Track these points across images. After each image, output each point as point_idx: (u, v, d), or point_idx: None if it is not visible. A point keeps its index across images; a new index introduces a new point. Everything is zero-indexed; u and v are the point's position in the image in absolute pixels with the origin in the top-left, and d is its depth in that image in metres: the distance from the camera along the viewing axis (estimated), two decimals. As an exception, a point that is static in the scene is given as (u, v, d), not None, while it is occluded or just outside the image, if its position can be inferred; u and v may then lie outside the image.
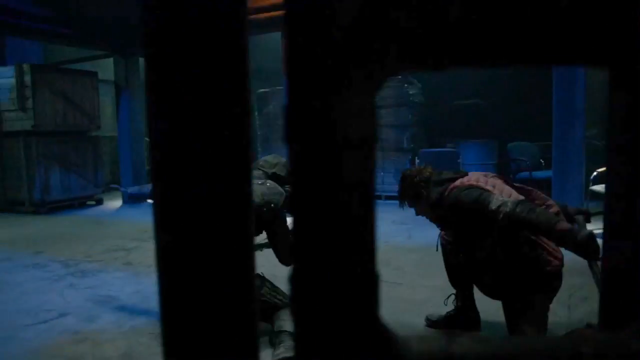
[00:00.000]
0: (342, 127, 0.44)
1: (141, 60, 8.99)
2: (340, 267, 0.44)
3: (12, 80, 7.68)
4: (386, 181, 7.89)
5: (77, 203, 8.30)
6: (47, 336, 2.97)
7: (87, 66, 9.23)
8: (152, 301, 3.56)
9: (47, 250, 5.23)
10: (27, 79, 7.59)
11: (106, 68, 9.61)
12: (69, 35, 7.58)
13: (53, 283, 4.05)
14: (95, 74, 8.72)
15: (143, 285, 3.89)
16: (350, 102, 0.44)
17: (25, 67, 7.60)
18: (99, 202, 8.79)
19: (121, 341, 2.86)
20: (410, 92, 7.79)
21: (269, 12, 6.67)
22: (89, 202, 8.67)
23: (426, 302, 3.37)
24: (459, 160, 6.74)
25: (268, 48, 8.64)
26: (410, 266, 4.29)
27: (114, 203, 8.76)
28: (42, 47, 9.65)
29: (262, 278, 2.72)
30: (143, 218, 7.11)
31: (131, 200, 8.65)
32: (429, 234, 5.32)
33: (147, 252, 5.00)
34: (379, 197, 7.86)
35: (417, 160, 6.98)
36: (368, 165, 0.45)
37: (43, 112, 7.73)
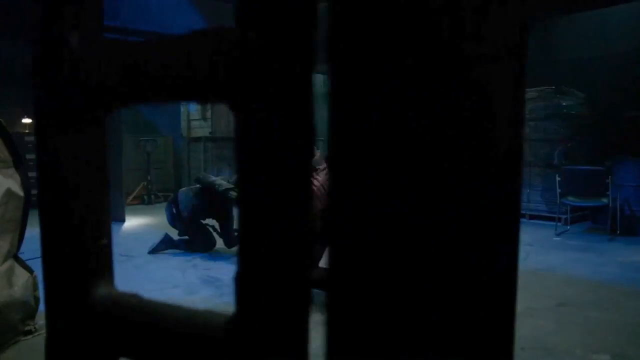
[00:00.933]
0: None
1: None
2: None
3: (198, 95, 9.28)
4: (532, 199, 7.34)
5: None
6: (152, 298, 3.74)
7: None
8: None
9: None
10: (208, 93, 9.09)
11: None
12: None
13: (184, 263, 4.94)
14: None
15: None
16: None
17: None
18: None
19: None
20: (564, 103, 7.11)
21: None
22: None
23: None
24: (607, 181, 5.95)
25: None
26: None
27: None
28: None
29: None
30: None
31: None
32: (548, 258, 4.92)
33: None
34: (523, 216, 7.36)
35: (557, 179, 6.37)
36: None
37: (218, 121, 9.16)
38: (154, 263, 4.90)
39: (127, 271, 4.63)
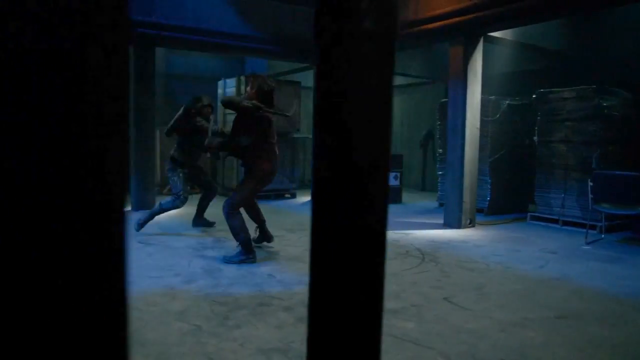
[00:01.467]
0: None
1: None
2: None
3: (235, 90, 9.46)
4: (567, 204, 6.96)
5: (273, 195, 9.69)
6: (151, 285, 3.85)
7: (298, 76, 10.67)
8: (246, 279, 4.17)
9: (214, 227, 6.41)
10: (242, 88, 9.23)
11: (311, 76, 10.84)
12: (273, 51, 8.92)
13: (193, 251, 5.05)
14: (298, 83, 10.00)
15: (252, 266, 4.55)
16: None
17: (242, 78, 9.27)
18: (293, 195, 10.05)
19: (187, 301, 3.53)
20: (605, 104, 6.66)
21: (439, 21, 6.66)
22: (286, 195, 10.00)
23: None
24: (643, 188, 5.53)
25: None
26: (488, 294, 3.89)
27: (305, 198, 9.90)
28: (267, 62, 11.51)
29: None
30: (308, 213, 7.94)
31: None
32: (568, 267, 4.64)
33: (283, 241, 5.69)
34: (556, 221, 7.00)
35: (590, 184, 5.98)
36: None
37: (252, 116, 9.28)
38: (166, 251, 5.04)
39: (139, 257, 4.80)
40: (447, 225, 6.82)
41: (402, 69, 10.64)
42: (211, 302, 3.55)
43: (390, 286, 3.96)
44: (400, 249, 5.38)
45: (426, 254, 5.15)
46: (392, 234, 6.20)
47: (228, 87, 9.71)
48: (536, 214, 7.34)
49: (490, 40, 7.15)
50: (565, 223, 6.93)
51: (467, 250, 5.35)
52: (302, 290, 3.85)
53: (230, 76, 9.87)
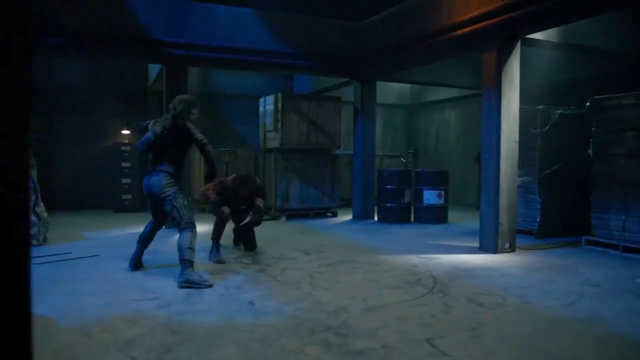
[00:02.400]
0: None
1: (379, 83, 9.52)
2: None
3: (272, 107, 9.36)
4: (630, 227, 6.01)
5: (311, 213, 9.40)
6: (122, 309, 3.69)
7: (340, 92, 10.40)
8: (223, 306, 3.90)
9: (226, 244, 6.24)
10: (280, 105, 9.12)
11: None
12: (308, 67, 8.72)
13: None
14: (338, 98, 9.70)
15: (239, 290, 4.28)
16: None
17: (279, 95, 9.15)
18: (334, 214, 9.70)
19: (144, 329, 3.31)
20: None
21: (471, 25, 6.11)
22: (328, 214, 9.68)
23: None
24: None
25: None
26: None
27: (345, 217, 9.51)
28: (314, 79, 11.35)
29: None
30: (343, 231, 7.54)
31: (359, 216, 9.24)
32: (606, 306, 3.88)
33: (291, 264, 5.37)
34: (615, 247, 6.07)
35: (647, 203, 5.07)
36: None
37: (289, 132, 9.12)
38: (163, 274, 4.90)
39: (133, 278, 4.71)
40: (482, 249, 6.13)
41: (453, 80, 9.99)
42: (168, 330, 3.31)
43: (372, 321, 3.50)
44: (413, 276, 4.84)
45: (439, 282, 4.58)
46: (414, 259, 5.66)
47: (268, 104, 9.63)
48: (593, 238, 6.40)
49: (531, 44, 6.42)
50: (627, 249, 5.97)
51: (489, 280, 4.70)
52: (272, 321, 3.50)
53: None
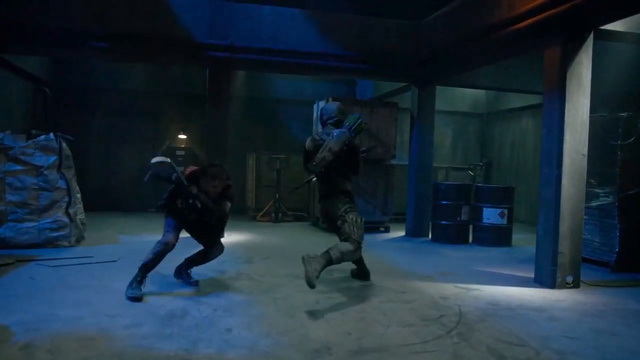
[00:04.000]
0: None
1: (450, 90, 8.67)
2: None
3: (323, 112, 8.87)
4: None
5: (361, 227, 8.72)
6: (87, 326, 3.36)
7: (399, 98, 9.67)
8: (196, 331, 3.45)
9: (238, 252, 5.80)
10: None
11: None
12: (361, 69, 8.13)
13: (189, 291, 4.48)
14: (395, 104, 8.98)
15: (226, 314, 3.82)
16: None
17: (330, 100, 8.62)
18: (387, 229, 8.96)
19: (91, 352, 2.93)
20: None
21: (529, 18, 5.22)
22: (380, 229, 8.97)
23: None
24: None
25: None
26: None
27: (398, 233, 8.75)
28: (374, 83, 10.72)
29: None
30: (386, 250, 6.82)
31: (412, 233, 8.44)
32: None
33: (292, 285, 4.81)
34: None
35: None
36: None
37: (338, 140, 8.55)
38: (154, 286, 4.57)
39: (114, 298, 4.42)
40: (537, 282, 5.14)
41: (527, 85, 8.88)
42: (116, 358, 2.90)
43: (352, 369, 2.84)
44: (436, 310, 4.06)
45: (463, 322, 3.78)
46: (449, 288, 4.84)
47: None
48: (687, 277, 5.16)
49: (608, 37, 5.35)
50: None
51: (529, 324, 3.80)
52: (236, 356, 2.97)
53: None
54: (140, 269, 4.21)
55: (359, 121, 4.60)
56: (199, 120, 10.42)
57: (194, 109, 10.74)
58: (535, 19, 5.12)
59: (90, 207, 9.50)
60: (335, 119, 4.80)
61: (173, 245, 4.31)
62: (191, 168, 4.70)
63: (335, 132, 4.54)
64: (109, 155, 10.70)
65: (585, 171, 5.04)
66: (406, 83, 8.97)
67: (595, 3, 4.47)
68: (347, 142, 4.47)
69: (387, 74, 8.51)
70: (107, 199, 10.43)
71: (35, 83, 9.36)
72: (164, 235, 4.33)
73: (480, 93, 11.98)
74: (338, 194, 4.65)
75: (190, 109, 10.84)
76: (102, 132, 10.67)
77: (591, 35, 4.97)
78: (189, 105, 10.85)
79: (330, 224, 4.84)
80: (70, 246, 6.34)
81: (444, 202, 7.85)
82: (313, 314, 3.87)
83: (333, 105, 4.91)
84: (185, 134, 10.69)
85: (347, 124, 4.60)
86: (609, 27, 5.09)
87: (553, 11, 4.84)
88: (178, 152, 10.15)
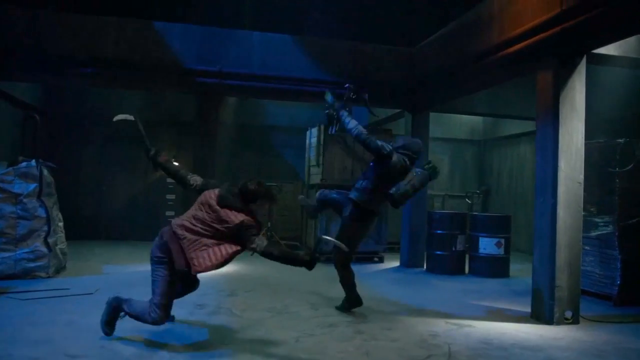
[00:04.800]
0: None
1: (447, 116, 8.51)
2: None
3: (316, 139, 8.71)
4: None
5: (354, 257, 8.43)
6: None
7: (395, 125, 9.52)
8: None
9: (222, 286, 5.54)
10: (322, 137, 8.44)
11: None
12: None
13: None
14: (389, 131, 8.82)
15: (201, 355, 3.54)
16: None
17: (322, 127, 8.48)
18: (381, 260, 8.68)
19: None
20: None
21: (520, 42, 5.09)
22: (374, 259, 8.68)
23: None
24: None
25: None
26: None
27: (393, 263, 8.46)
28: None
29: None
30: (377, 281, 6.53)
31: (406, 263, 8.16)
32: None
33: (291, 319, 4.54)
34: None
35: None
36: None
37: (331, 167, 8.38)
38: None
39: (94, 330, 4.14)
40: (534, 317, 4.85)
41: (525, 111, 8.70)
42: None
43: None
44: (424, 350, 3.78)
45: (452, 364, 3.49)
46: (439, 324, 4.55)
47: (312, 137, 9.01)
48: (693, 313, 4.86)
49: (603, 61, 5.19)
50: None
51: (524, 366, 3.51)
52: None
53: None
54: (115, 309, 3.76)
55: (436, 169, 4.91)
56: (191, 148, 10.28)
57: (186, 136, 10.60)
58: (525, 43, 5.00)
59: (80, 235, 9.33)
60: (415, 158, 4.86)
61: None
62: (212, 193, 3.67)
63: (418, 171, 4.80)
64: (100, 183, 10.51)
65: (582, 200, 4.81)
66: (399, 109, 8.82)
67: (585, 26, 4.32)
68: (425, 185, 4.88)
69: (379, 100, 8.35)
70: (97, 228, 10.21)
71: (24, 110, 9.26)
72: (155, 307, 3.59)
73: (477, 119, 11.84)
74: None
75: (183, 136, 10.69)
76: (94, 159, 10.52)
77: (584, 59, 4.81)
78: (181, 133, 10.71)
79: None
80: (48, 277, 6.09)
81: (439, 232, 7.59)
82: (289, 357, 3.59)
83: (419, 143, 5.02)
84: (177, 162, 10.50)
85: (426, 167, 4.88)
86: (602, 50, 4.93)
87: (543, 35, 4.72)
88: (169, 180, 9.93)
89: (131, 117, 4.10)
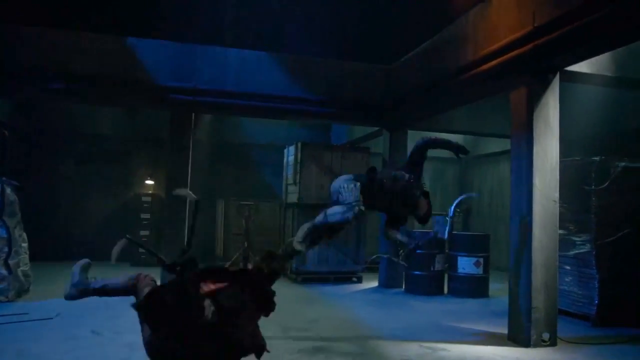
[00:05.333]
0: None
1: (410, 133, 8.44)
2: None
3: (293, 158, 8.58)
4: None
5: (332, 278, 8.26)
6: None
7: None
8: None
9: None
10: (299, 155, 8.31)
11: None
12: (333, 114, 7.92)
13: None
14: (366, 149, 8.74)
15: None
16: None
17: (299, 145, 8.36)
18: (359, 280, 8.49)
19: None
20: None
21: (494, 59, 5.04)
22: (353, 279, 8.50)
23: None
24: None
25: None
26: None
27: (371, 283, 8.28)
28: (348, 128, 10.53)
29: None
30: (353, 303, 6.34)
31: (385, 284, 8.00)
32: None
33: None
34: None
35: None
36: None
37: (308, 186, 8.23)
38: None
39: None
40: (511, 340, 4.70)
41: (504, 129, 8.68)
42: None
43: None
44: (394, 377, 3.60)
45: (423, 392, 3.32)
46: (413, 349, 4.38)
47: (290, 155, 8.87)
48: (672, 334, 4.76)
49: (577, 79, 5.17)
50: None
51: (498, 393, 3.35)
52: None
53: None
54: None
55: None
56: (166, 165, 10.08)
57: (162, 153, 10.41)
58: (499, 60, 4.95)
59: (53, 256, 8.99)
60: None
61: None
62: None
63: None
64: (75, 201, 10.21)
65: (558, 218, 4.72)
66: (377, 127, 8.76)
67: (557, 43, 4.28)
68: None
69: (356, 118, 8.31)
70: (69, 247, 9.87)
71: (-7, 125, 9.00)
72: None
73: (457, 138, 11.81)
74: None
75: (158, 153, 10.49)
76: (69, 176, 10.24)
77: (557, 76, 4.78)
78: (157, 150, 10.50)
79: None
80: (8, 301, 5.80)
81: (417, 252, 7.43)
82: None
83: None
84: (152, 180, 10.29)
85: None
86: (576, 68, 4.90)
87: (516, 52, 4.67)
88: (144, 199, 9.73)
89: (193, 196, 3.38)
